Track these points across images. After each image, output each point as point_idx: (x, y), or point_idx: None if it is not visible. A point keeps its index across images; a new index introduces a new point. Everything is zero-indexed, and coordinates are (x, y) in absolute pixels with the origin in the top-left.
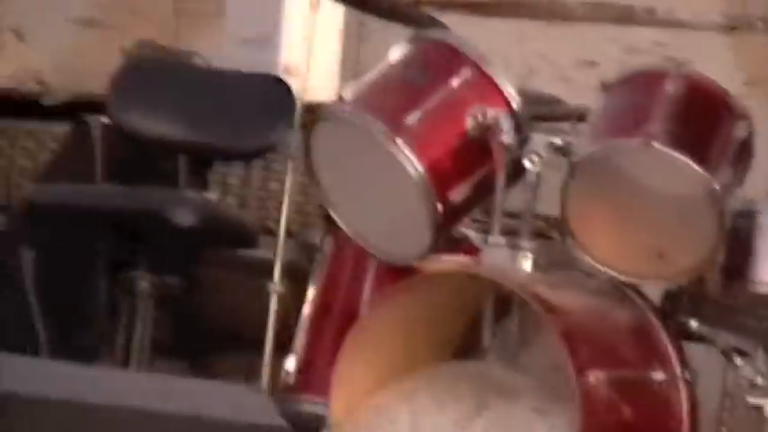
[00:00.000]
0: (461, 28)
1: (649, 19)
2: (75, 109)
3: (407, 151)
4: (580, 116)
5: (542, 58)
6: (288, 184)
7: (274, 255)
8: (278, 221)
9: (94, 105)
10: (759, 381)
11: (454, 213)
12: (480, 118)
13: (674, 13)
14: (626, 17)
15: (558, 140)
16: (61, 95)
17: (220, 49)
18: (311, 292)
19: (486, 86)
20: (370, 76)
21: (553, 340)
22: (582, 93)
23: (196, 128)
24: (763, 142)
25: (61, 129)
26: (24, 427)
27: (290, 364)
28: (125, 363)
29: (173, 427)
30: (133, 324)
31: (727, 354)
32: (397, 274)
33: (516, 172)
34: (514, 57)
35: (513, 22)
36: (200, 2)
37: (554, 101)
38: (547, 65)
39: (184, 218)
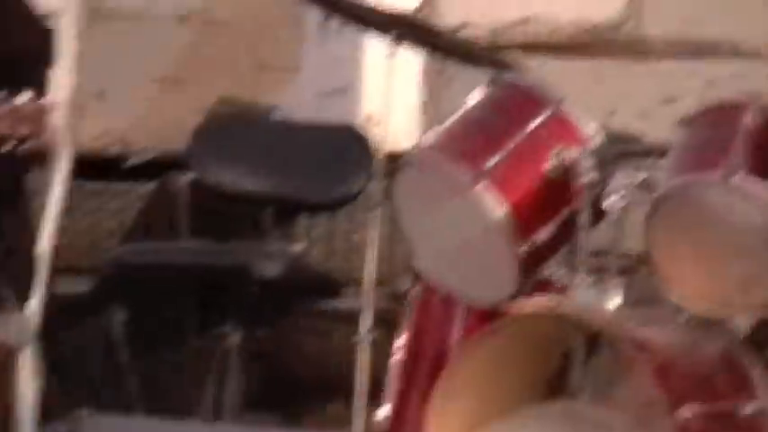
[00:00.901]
0: (540, 70)
1: (729, 52)
2: (159, 168)
3: (489, 195)
4: (661, 152)
5: (622, 96)
6: (372, 234)
7: (362, 304)
8: (364, 271)
9: (178, 163)
10: None
11: (538, 254)
12: (561, 159)
13: (753, 46)
14: (705, 51)
15: (639, 177)
16: (144, 155)
17: (300, 102)
18: (400, 341)
19: (565, 127)
20: (450, 121)
21: (645, 377)
22: (663, 129)
23: (279, 181)
24: None
25: (145, 188)
26: None
27: (382, 413)
28: (217, 417)
29: None
30: (224, 378)
31: None
32: (485, 318)
33: (599, 210)
34: (594, 96)
35: (592, 61)
36: (280, 56)
37: (635, 138)
38: (627, 103)
39: (271, 270)
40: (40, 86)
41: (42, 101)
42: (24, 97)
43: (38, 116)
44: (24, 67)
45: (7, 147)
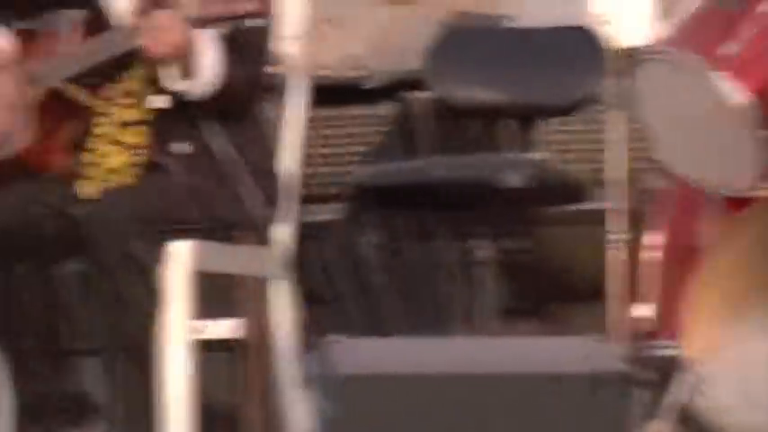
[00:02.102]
0: None
1: None
2: (396, 89)
3: (732, 83)
4: None
5: None
6: (610, 133)
7: (609, 205)
8: (608, 172)
9: (415, 83)
10: None
11: None
12: None
13: None
14: None
15: None
16: (381, 77)
17: (526, 8)
18: (650, 237)
19: None
20: (682, 11)
21: None
22: None
23: (514, 90)
24: None
25: (384, 110)
26: (382, 407)
27: (638, 313)
28: (471, 331)
29: (522, 388)
30: (476, 291)
31: None
32: (735, 207)
33: None
34: None
35: None
36: None
37: None
38: None
39: (515, 180)
40: None
41: None
42: None
43: None
44: None
45: (224, 24)
